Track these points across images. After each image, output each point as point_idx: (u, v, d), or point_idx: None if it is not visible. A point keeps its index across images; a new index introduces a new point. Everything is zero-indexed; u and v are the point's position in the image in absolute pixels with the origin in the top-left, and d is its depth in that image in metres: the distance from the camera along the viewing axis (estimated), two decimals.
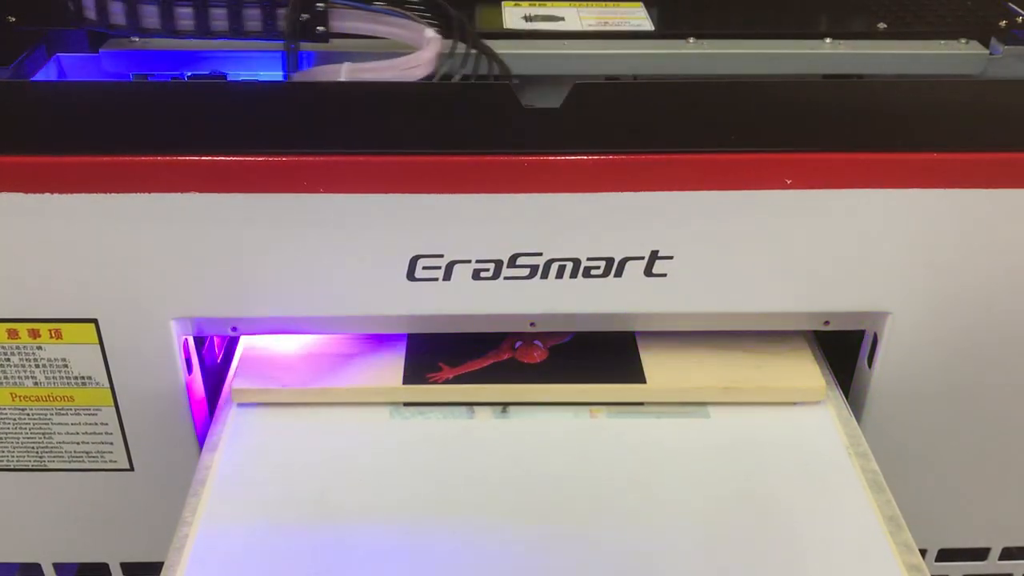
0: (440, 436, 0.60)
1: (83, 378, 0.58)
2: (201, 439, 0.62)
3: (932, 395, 0.61)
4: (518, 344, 0.66)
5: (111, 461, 0.61)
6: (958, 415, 0.62)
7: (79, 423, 0.60)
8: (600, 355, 0.65)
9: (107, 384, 0.58)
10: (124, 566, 0.68)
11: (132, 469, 0.62)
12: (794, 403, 0.62)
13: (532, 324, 0.62)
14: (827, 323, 0.61)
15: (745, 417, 0.61)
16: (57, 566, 0.67)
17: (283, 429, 0.60)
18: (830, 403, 0.62)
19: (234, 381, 0.62)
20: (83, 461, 0.61)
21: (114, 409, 0.59)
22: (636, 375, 0.63)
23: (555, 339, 0.66)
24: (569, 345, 0.66)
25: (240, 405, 0.62)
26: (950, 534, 0.68)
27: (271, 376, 0.63)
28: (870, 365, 0.61)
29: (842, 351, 0.65)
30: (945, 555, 0.70)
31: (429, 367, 0.64)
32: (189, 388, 0.60)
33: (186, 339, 0.59)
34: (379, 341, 0.66)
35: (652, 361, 0.64)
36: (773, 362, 0.63)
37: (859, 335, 0.62)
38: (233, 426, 0.61)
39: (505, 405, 0.63)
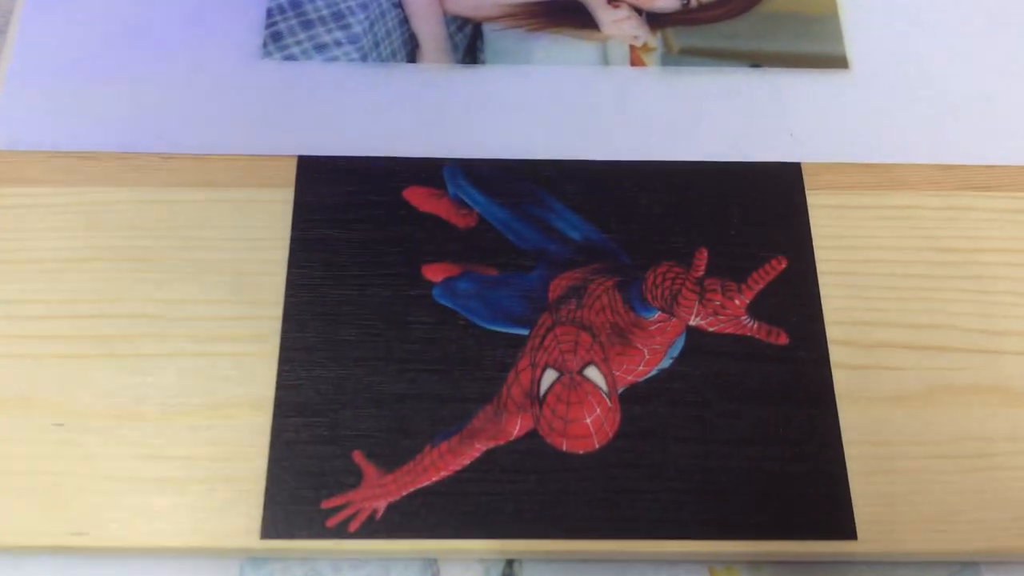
0: None
1: None
2: None
3: None
4: (548, 380, 0.31)
5: None
6: None
7: None
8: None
9: None
10: None
11: None
12: None
13: None
14: None
15: None
16: None
17: None
18: None
19: None
20: None
21: None
22: (839, 516, 0.30)
23: (630, 369, 0.32)
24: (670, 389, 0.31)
25: None
26: None
27: None
28: None
29: None
30: None
31: (329, 469, 0.30)
32: None
33: None
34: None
35: (865, 469, 0.30)
36: None
37: None
38: None
39: (512, 561, 0.30)
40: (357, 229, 0.34)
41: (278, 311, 0.32)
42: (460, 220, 0.34)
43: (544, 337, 0.32)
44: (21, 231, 0.33)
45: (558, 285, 0.33)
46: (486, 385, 0.32)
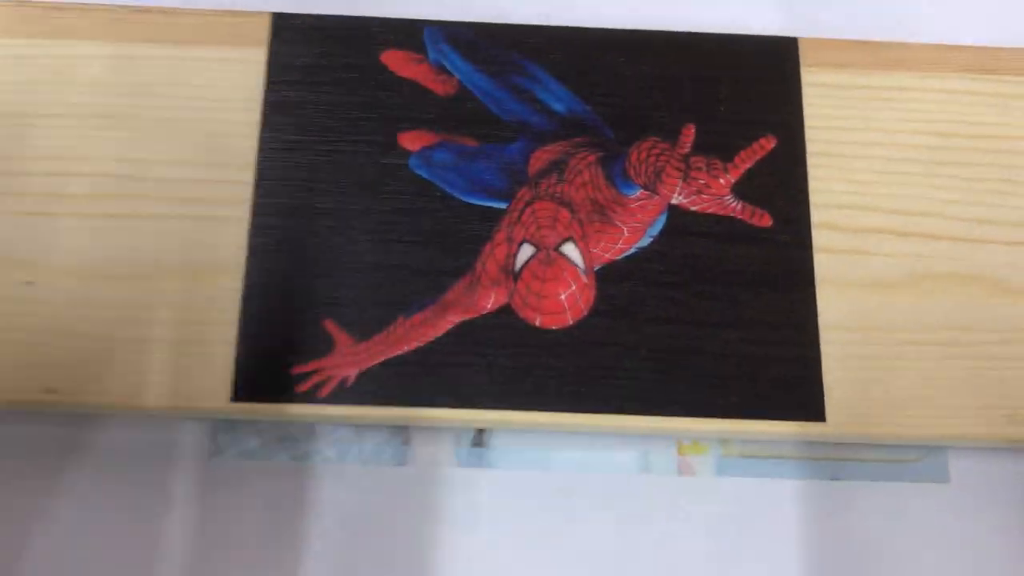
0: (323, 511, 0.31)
1: None
2: None
3: None
4: (524, 255, 0.31)
5: None
6: None
7: None
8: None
9: None
10: None
11: None
12: None
13: None
14: None
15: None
16: None
17: None
18: None
19: None
20: None
21: None
22: (809, 399, 0.31)
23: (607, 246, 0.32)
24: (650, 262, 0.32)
25: None
26: None
27: None
28: None
29: None
30: None
31: (300, 336, 0.31)
32: None
33: None
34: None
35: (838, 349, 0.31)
36: None
37: None
38: None
39: (481, 431, 0.31)
40: (333, 92, 0.33)
41: (250, 175, 0.32)
42: (440, 87, 0.34)
43: (522, 212, 0.32)
44: None
45: (539, 158, 0.33)
46: (461, 258, 0.32)
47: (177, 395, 0.30)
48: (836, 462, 0.32)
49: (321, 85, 0.33)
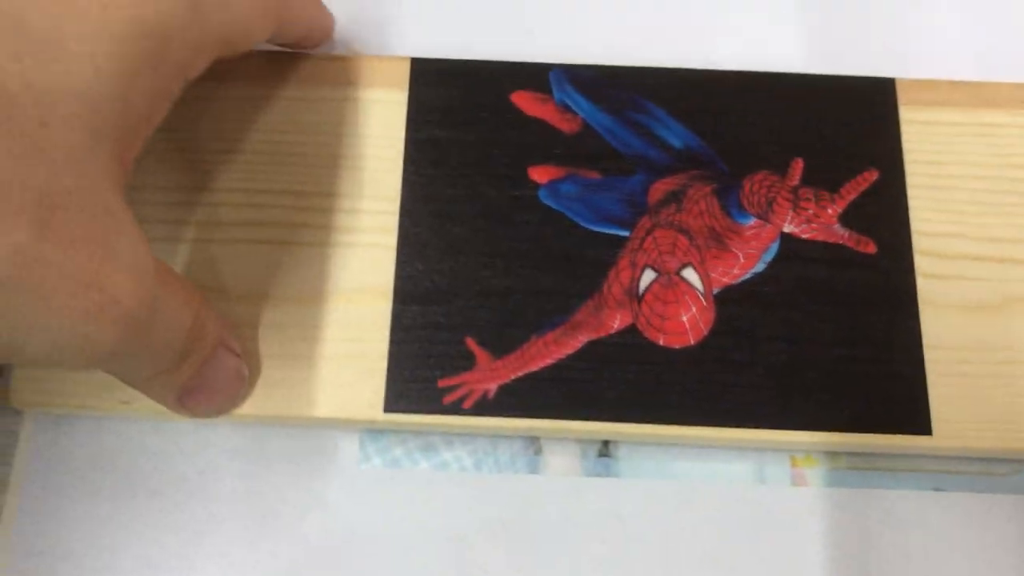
0: (461, 516, 0.35)
1: None
2: None
3: None
4: (647, 279, 0.34)
5: None
6: None
7: None
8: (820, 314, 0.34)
9: None
10: None
11: None
12: None
13: None
14: None
15: None
16: None
17: None
18: None
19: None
20: None
21: None
22: (916, 413, 0.34)
23: (725, 270, 0.35)
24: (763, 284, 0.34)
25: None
26: None
27: None
28: None
29: None
30: None
31: (444, 353, 0.34)
32: None
33: None
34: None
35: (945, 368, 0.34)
36: None
37: None
38: None
39: (607, 442, 0.35)
40: (467, 130, 0.36)
41: (395, 206, 0.35)
42: (565, 125, 0.37)
43: (644, 239, 0.35)
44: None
45: (658, 190, 0.36)
46: (588, 282, 0.35)
47: (337, 407, 0.33)
48: (936, 474, 0.35)
49: (457, 123, 0.36)
